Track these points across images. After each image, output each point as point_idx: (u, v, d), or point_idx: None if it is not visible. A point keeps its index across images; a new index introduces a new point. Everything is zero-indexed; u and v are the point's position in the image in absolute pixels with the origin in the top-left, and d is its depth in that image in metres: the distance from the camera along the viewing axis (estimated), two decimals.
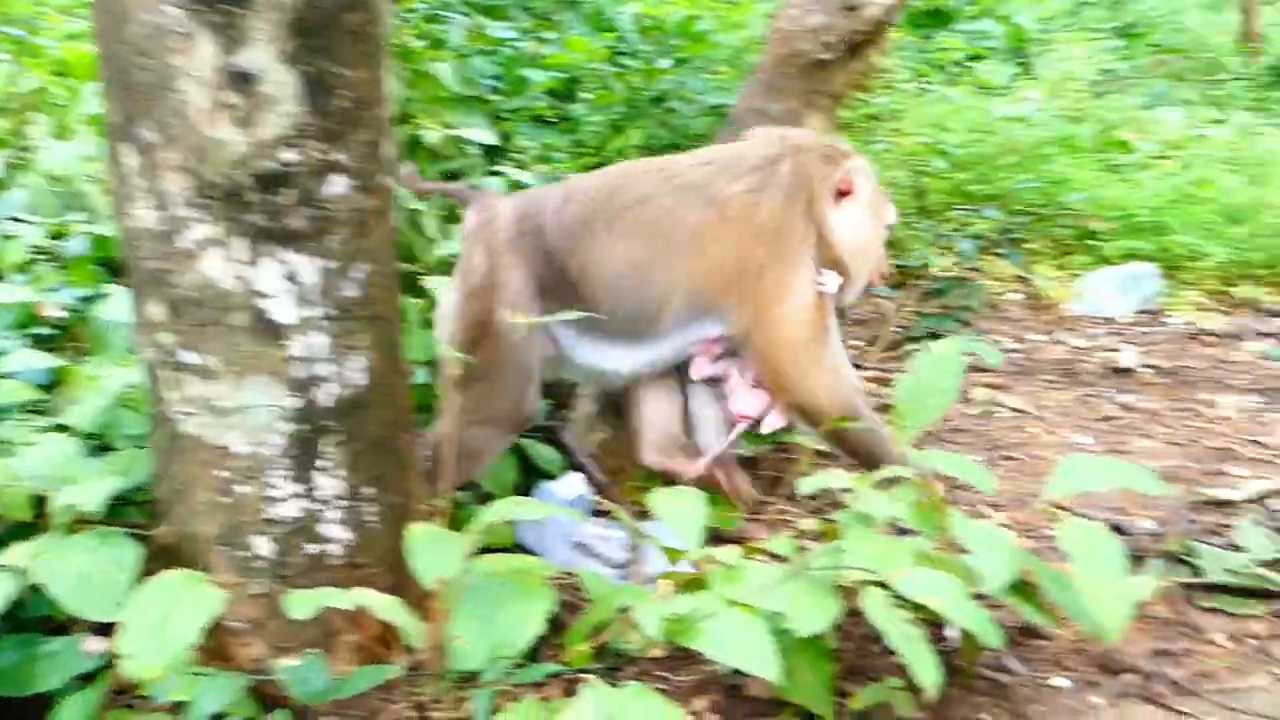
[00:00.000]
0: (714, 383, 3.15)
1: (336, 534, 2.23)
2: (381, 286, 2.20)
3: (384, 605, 1.94)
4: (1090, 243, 5.98)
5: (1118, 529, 3.19)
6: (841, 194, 2.96)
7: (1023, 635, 2.60)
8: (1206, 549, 2.97)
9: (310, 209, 2.02)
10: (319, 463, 2.18)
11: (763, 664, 1.82)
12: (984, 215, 5.48)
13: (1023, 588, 2.22)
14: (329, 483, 2.21)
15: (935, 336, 4.86)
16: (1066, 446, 3.90)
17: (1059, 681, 2.43)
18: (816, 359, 2.91)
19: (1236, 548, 2.97)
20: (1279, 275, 5.80)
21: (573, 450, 3.30)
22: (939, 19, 10.68)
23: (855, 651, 2.42)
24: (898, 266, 5.30)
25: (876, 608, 1.90)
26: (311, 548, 2.22)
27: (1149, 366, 4.71)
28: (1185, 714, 2.30)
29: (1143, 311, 5.50)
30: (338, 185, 2.03)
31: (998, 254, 5.53)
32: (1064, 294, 5.53)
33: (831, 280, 2.93)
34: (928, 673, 1.85)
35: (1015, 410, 4.25)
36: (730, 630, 1.86)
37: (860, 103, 6.88)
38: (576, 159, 5.81)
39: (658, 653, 2.44)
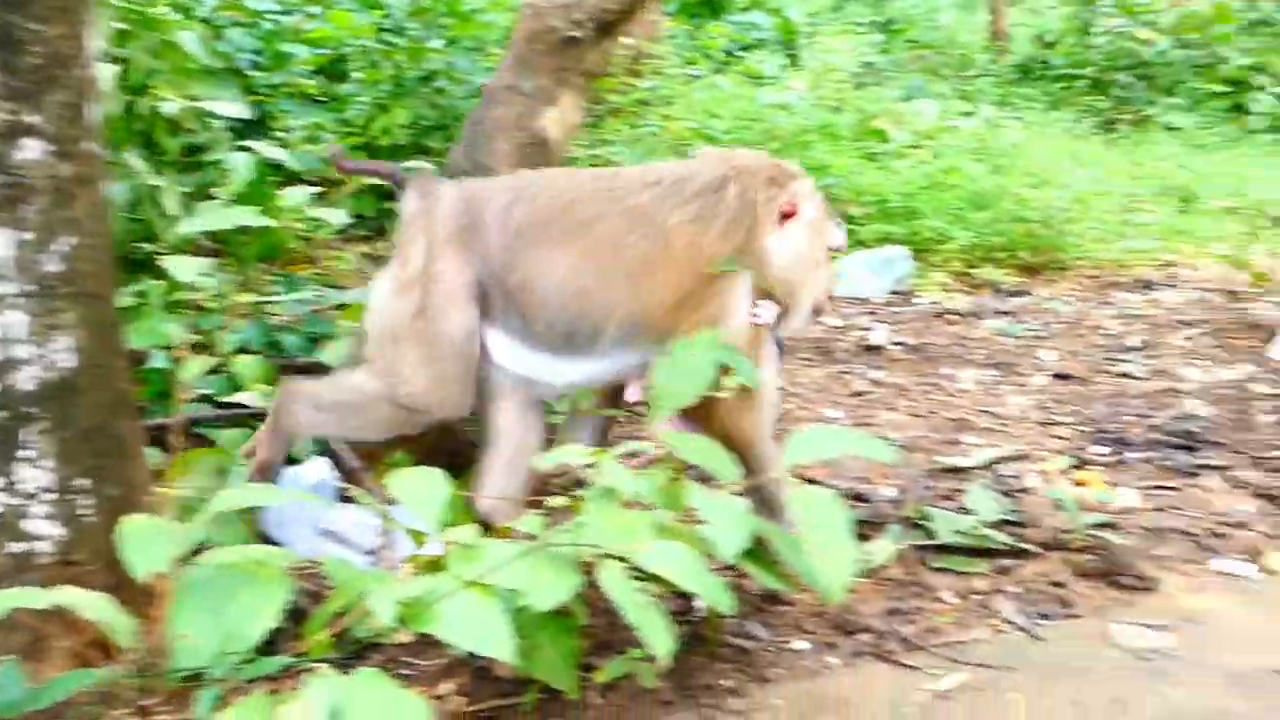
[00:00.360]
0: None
1: (45, 530, 2.07)
2: (91, 260, 2.04)
3: (89, 604, 1.81)
4: (849, 227, 6.23)
5: (861, 497, 3.37)
6: (785, 216, 2.89)
7: (767, 602, 2.69)
8: (940, 513, 3.16)
9: (0, 175, 1.85)
10: (21, 453, 2.01)
11: (497, 644, 1.79)
12: None
13: (759, 555, 2.28)
14: (34, 474, 2.04)
15: None
16: (819, 421, 4.06)
17: (799, 644, 2.53)
18: (746, 393, 2.78)
19: (966, 511, 3.16)
20: (1016, 258, 6.23)
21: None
22: (711, 8, 10.93)
23: (606, 626, 2.43)
24: None
25: (612, 580, 1.90)
26: (16, 546, 2.05)
27: (898, 344, 4.96)
28: (913, 668, 2.43)
29: (895, 292, 5.79)
30: (31, 150, 1.87)
31: None
32: None
33: (767, 311, 2.85)
34: (661, 642, 1.88)
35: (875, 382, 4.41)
36: (464, 611, 1.83)
37: (630, 87, 6.98)
38: (344, 138, 5.63)
39: (405, 638, 2.39)
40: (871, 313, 5.46)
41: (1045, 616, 2.68)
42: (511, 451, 2.88)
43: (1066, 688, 2.34)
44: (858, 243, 6.16)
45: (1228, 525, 3.21)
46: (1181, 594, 2.80)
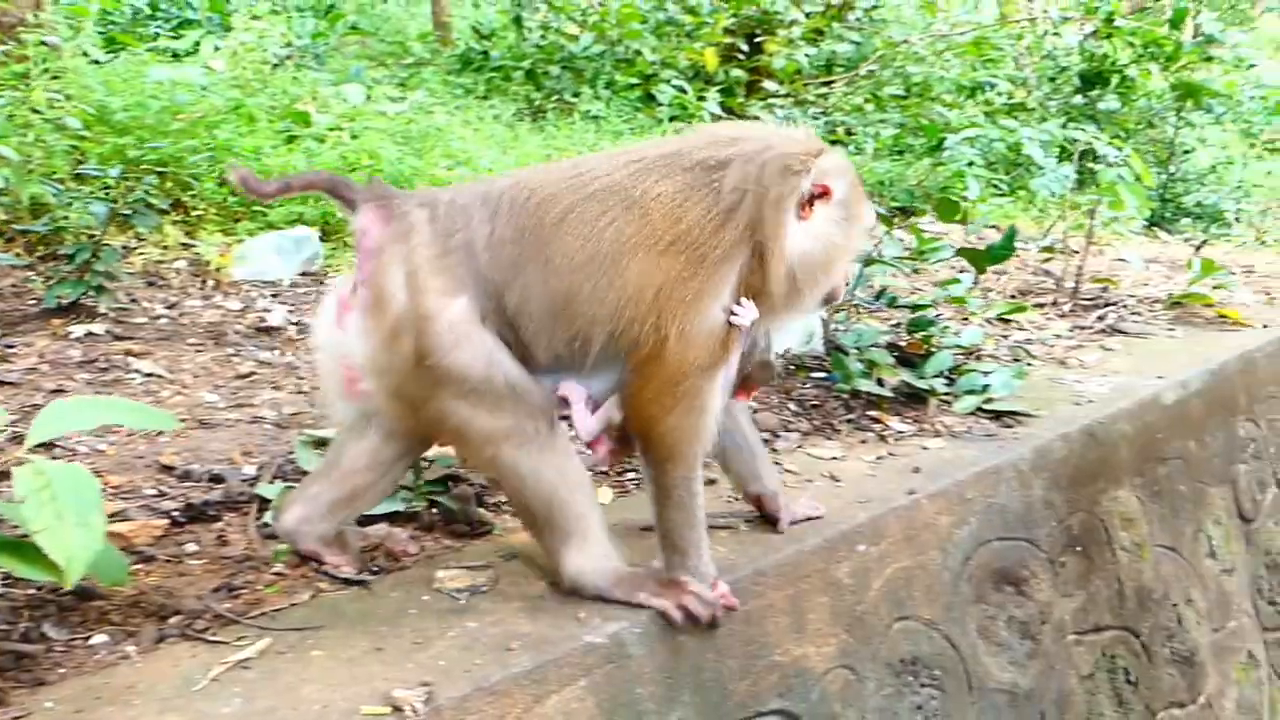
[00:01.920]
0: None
1: None
2: None
3: None
4: (258, 209, 6.02)
5: (218, 477, 3.23)
6: (814, 199, 2.53)
7: (79, 598, 2.47)
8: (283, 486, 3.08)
9: None
10: None
11: None
12: (113, 177, 5.17)
13: (18, 546, 2.07)
14: None
15: (70, 307, 4.54)
16: (195, 405, 3.85)
17: (99, 639, 2.34)
18: (693, 398, 2.49)
19: None
20: None
21: None
22: None
23: None
24: (24, 232, 4.87)
25: None
26: None
27: (295, 324, 4.85)
28: (220, 643, 2.34)
29: (306, 274, 5.67)
30: None
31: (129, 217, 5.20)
32: (227, 260, 5.49)
33: (747, 313, 2.52)
34: None
35: (148, 375, 4.09)
36: None
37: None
38: None
39: None
40: (275, 295, 5.29)
41: (377, 572, 2.71)
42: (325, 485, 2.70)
43: (371, 637, 2.37)
44: (268, 225, 5.97)
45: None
46: (509, 535, 2.98)
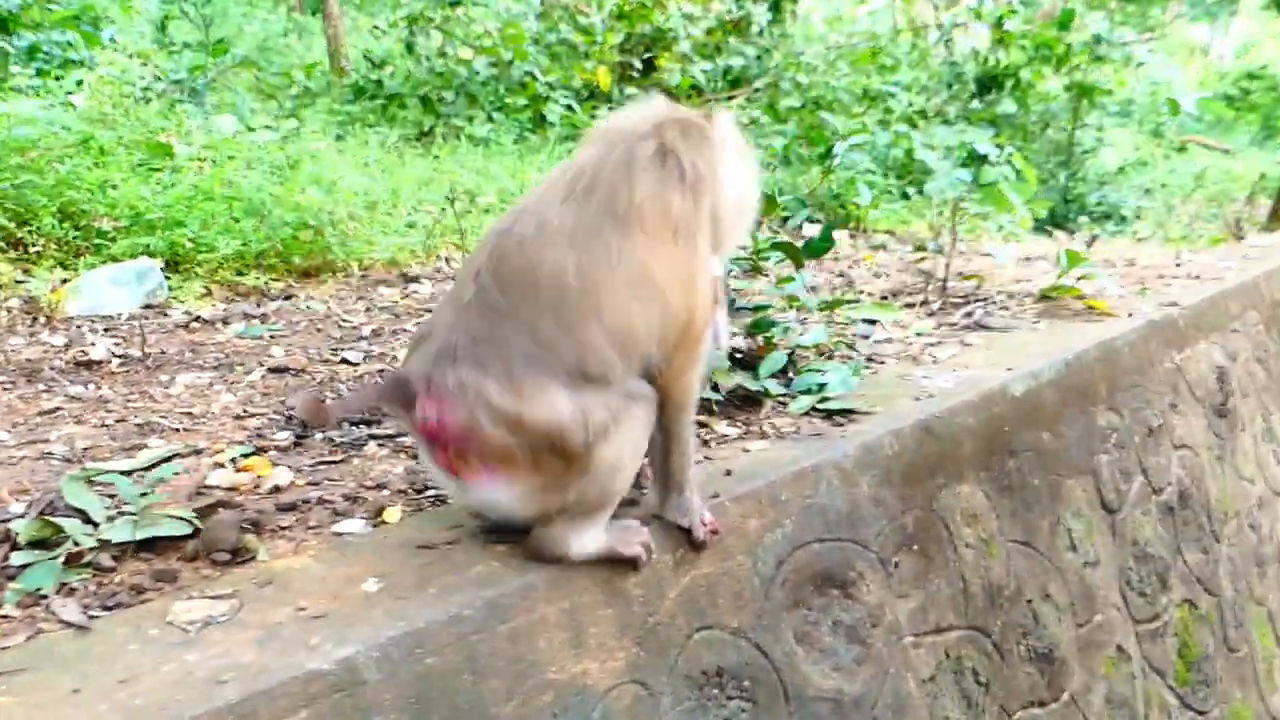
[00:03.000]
0: None
1: None
2: None
3: None
4: (100, 242, 5.81)
5: None
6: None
7: None
8: (70, 522, 2.88)
9: None
10: None
11: None
12: None
13: None
14: None
15: None
16: None
17: None
18: (701, 351, 2.77)
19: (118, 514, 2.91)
20: (289, 263, 6.19)
21: None
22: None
23: None
24: None
25: None
26: None
27: (121, 357, 4.65)
28: None
29: (149, 306, 5.47)
30: None
31: None
32: (60, 295, 5.28)
33: (717, 262, 2.82)
34: None
35: None
36: None
37: None
38: None
39: None
40: (108, 329, 5.08)
41: (110, 608, 2.52)
42: None
43: (75, 678, 2.18)
44: (110, 258, 5.76)
45: (367, 489, 3.31)
46: (275, 560, 2.79)
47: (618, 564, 2.79)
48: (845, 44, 12.30)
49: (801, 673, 3.22)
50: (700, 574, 3.01)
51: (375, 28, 13.59)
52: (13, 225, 5.70)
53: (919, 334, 5.31)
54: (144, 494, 3.13)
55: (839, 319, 5.58)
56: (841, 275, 6.92)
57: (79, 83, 7.83)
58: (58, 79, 8.26)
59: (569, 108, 10.43)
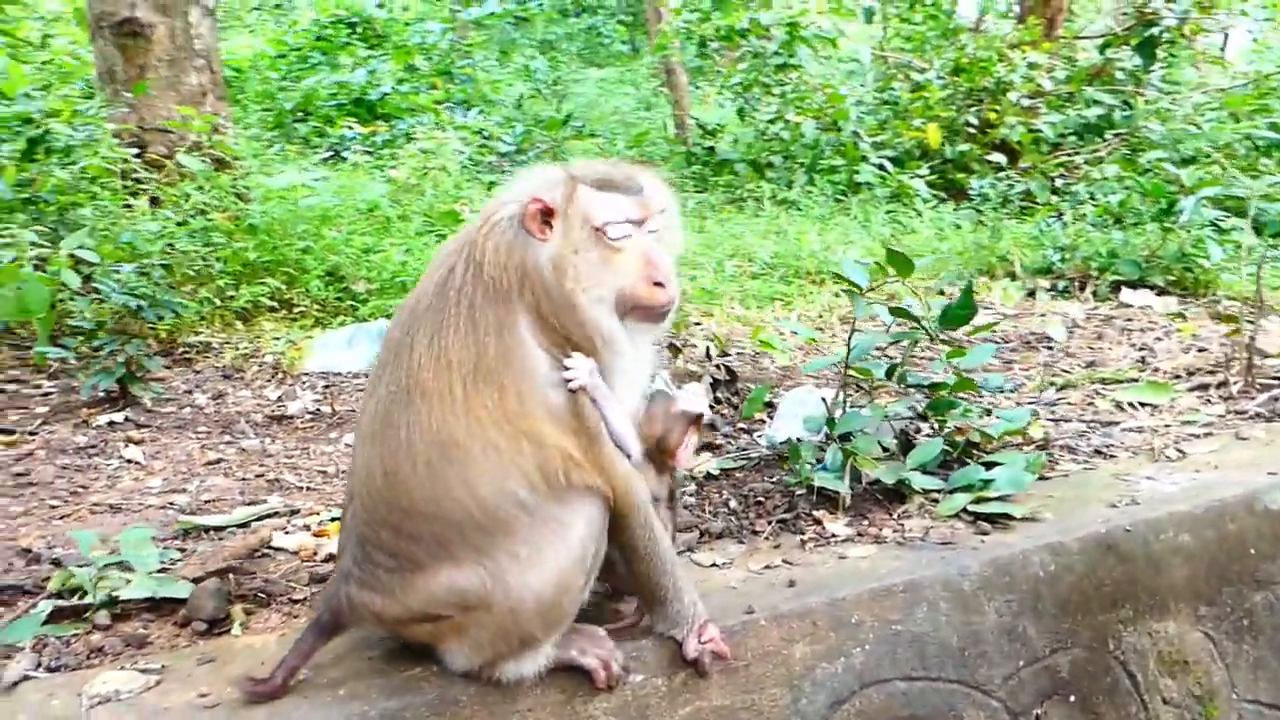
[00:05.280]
0: None
1: None
2: None
3: None
4: (354, 304, 6.16)
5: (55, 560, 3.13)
6: (543, 216, 2.31)
7: None
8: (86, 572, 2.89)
9: None
10: None
11: None
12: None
13: None
14: None
15: (116, 397, 4.76)
16: (131, 492, 3.84)
17: None
18: (603, 463, 2.33)
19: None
20: None
21: None
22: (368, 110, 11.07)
23: None
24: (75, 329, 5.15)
25: None
26: None
27: (313, 414, 4.81)
28: None
29: None
30: None
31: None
32: (300, 353, 5.61)
33: (581, 365, 2.30)
34: None
35: (128, 460, 4.17)
36: None
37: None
38: None
39: None
40: (327, 386, 5.31)
41: (54, 669, 2.48)
42: None
43: None
44: (359, 318, 6.07)
45: None
46: (246, 634, 2.65)
47: (573, 675, 2.37)
48: (1228, 87, 10.67)
49: None
50: (709, 706, 2.49)
51: (714, 95, 13.74)
52: (284, 287, 6.17)
53: (1187, 422, 4.28)
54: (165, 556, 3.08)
55: (1092, 400, 4.67)
56: (1143, 348, 5.83)
57: (395, 158, 8.50)
58: (390, 153, 9.05)
59: (881, 168, 9.85)
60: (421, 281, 2.43)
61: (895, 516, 3.29)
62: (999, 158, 10.35)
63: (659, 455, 2.53)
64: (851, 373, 3.69)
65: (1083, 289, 7.85)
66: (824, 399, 3.82)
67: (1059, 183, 10.21)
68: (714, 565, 2.98)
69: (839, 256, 7.62)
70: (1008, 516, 3.20)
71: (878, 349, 4.41)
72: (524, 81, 14.09)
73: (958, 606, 2.83)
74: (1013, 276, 8.10)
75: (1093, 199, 8.92)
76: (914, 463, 3.45)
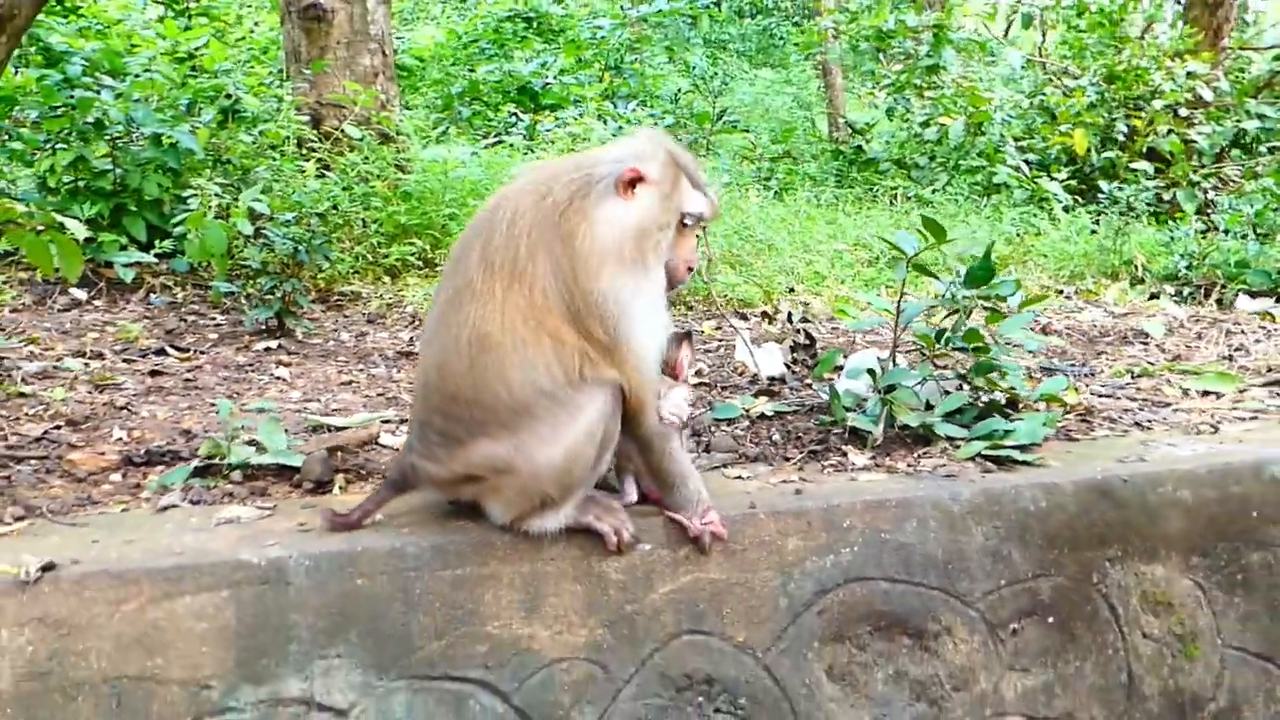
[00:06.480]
0: None
1: None
2: None
3: None
4: None
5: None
6: (632, 183, 2.79)
7: None
8: (238, 446, 3.57)
9: None
10: None
11: None
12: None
13: None
14: None
15: (275, 329, 5.54)
16: (281, 400, 4.55)
17: None
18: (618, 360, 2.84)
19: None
20: None
21: None
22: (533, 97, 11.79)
23: None
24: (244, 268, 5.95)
25: None
26: None
27: None
28: None
29: None
30: None
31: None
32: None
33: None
34: None
35: (276, 378, 4.91)
36: None
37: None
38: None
39: None
40: None
41: (195, 503, 3.15)
42: None
43: (108, 534, 2.80)
44: None
45: None
46: (342, 494, 3.27)
47: (595, 540, 2.87)
48: None
49: (825, 710, 2.99)
50: (706, 578, 2.96)
51: (868, 96, 13.99)
52: (429, 248, 6.90)
53: (1238, 405, 4.46)
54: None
55: (1159, 388, 4.89)
56: (1238, 348, 5.92)
57: (550, 142, 9.17)
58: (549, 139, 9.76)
59: (1017, 170, 9.96)
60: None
61: (916, 456, 3.67)
62: (1145, 166, 10.30)
63: (665, 370, 3.04)
64: (909, 337, 4.08)
65: (1208, 296, 7.86)
66: (878, 358, 4.21)
67: (1210, 194, 10.12)
68: (739, 478, 3.44)
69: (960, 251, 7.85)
70: (1018, 462, 3.54)
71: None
72: (684, 77, 14.67)
73: (945, 525, 3.21)
74: (1138, 281, 8.16)
75: (1235, 210, 8.86)
76: (941, 412, 3.81)
